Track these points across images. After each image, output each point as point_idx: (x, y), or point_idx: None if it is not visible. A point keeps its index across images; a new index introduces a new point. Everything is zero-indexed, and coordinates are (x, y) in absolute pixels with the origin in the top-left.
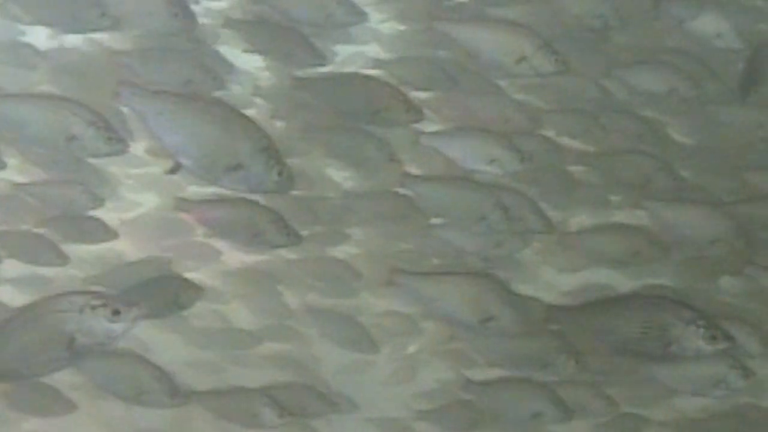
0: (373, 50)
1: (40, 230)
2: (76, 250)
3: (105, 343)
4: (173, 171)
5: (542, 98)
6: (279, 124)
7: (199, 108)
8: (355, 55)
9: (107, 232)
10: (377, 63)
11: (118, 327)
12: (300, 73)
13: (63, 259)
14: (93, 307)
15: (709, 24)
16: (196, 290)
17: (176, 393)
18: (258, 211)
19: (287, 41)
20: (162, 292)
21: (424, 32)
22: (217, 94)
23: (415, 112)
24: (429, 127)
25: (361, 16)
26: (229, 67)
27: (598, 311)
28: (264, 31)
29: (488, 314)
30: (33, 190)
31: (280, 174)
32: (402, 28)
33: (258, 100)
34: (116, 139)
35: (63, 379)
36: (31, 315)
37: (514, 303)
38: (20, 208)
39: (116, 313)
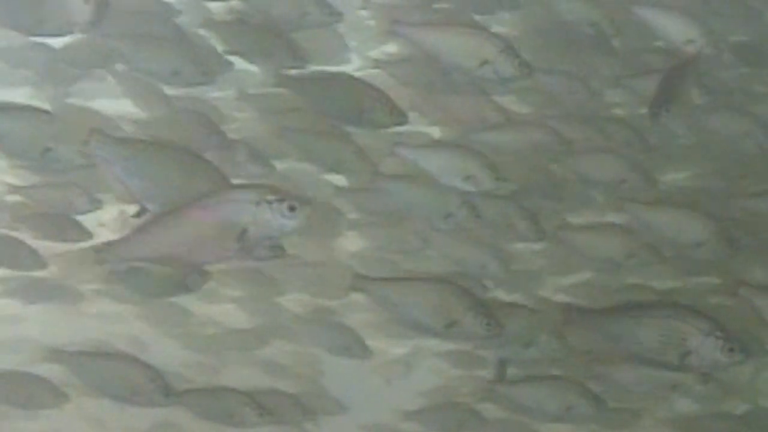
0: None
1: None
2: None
3: (275, 238)
4: (139, 215)
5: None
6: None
7: (164, 154)
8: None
9: (82, 233)
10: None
11: (290, 223)
12: (284, 73)
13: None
14: (270, 202)
15: (680, 30)
16: (202, 274)
17: (170, 392)
18: None
19: (268, 42)
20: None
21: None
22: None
23: (399, 114)
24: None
25: (337, 16)
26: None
27: (617, 317)
28: (244, 31)
29: (452, 319)
30: (29, 193)
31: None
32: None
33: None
34: None
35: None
36: (208, 203)
37: (478, 308)
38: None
39: (292, 209)
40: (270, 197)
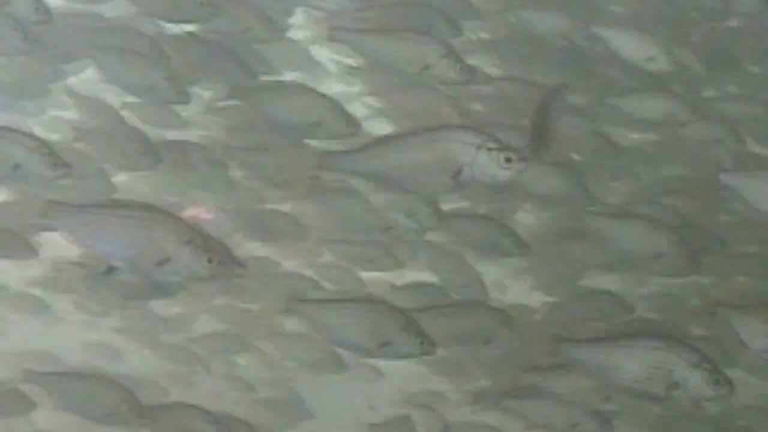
0: None
1: None
2: None
3: (488, 184)
4: (108, 272)
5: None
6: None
7: (122, 214)
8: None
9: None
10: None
11: (504, 174)
12: (237, 85)
13: None
14: (489, 149)
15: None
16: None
17: (143, 413)
18: None
19: (219, 57)
20: None
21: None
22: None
23: (354, 125)
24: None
25: (279, 33)
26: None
27: (605, 348)
28: (197, 47)
29: (385, 339)
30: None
31: (210, 261)
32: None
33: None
34: (61, 165)
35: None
36: (432, 136)
37: (411, 327)
38: None
39: (508, 160)
40: (491, 144)
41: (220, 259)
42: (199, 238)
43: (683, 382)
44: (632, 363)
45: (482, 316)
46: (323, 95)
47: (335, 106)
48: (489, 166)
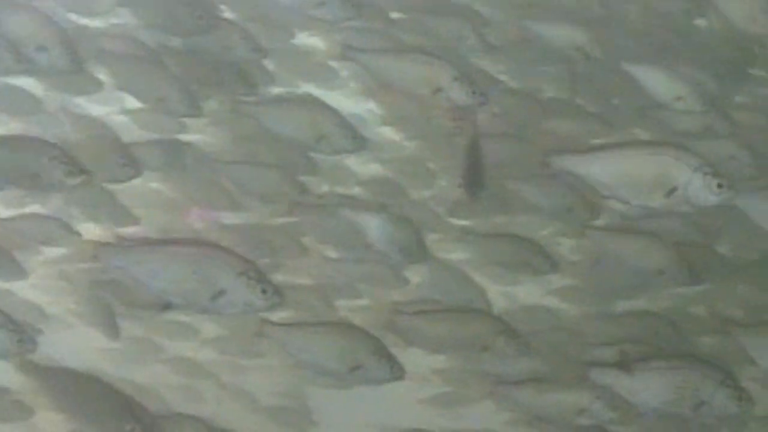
0: None
1: None
2: None
3: (695, 207)
4: (166, 308)
5: None
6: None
7: (174, 251)
8: None
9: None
10: None
11: (713, 200)
12: (243, 98)
13: None
14: (705, 173)
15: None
16: None
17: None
18: None
19: (219, 70)
20: None
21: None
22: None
23: (360, 139)
24: None
25: (261, 52)
26: None
27: (635, 371)
28: (195, 60)
29: (356, 363)
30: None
31: (264, 292)
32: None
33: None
34: (77, 172)
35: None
36: (653, 151)
37: (381, 351)
38: None
39: (720, 186)
40: (707, 168)
41: (274, 289)
42: (252, 269)
43: (709, 400)
44: (659, 385)
45: (479, 324)
46: (329, 108)
47: (341, 120)
48: (702, 189)
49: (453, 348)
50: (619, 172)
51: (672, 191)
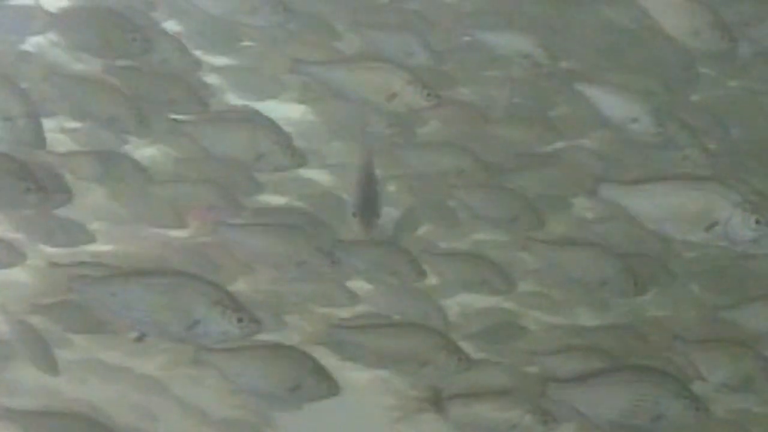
0: None
1: None
2: None
3: (732, 243)
4: (139, 340)
5: None
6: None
7: (147, 281)
8: None
9: None
10: None
11: (750, 235)
12: (181, 117)
13: None
14: (745, 209)
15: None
16: None
17: None
18: None
19: (166, 87)
20: None
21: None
22: None
23: (299, 156)
24: None
25: (200, 66)
26: None
27: (593, 385)
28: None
29: (295, 383)
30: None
31: (240, 320)
32: None
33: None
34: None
35: None
36: (696, 186)
37: (320, 371)
38: None
39: (758, 222)
40: (748, 205)
41: (250, 317)
42: (226, 298)
43: (666, 412)
44: (617, 398)
45: (421, 339)
46: (269, 126)
47: (280, 137)
48: (740, 225)
49: (393, 363)
50: (666, 205)
51: (712, 225)
